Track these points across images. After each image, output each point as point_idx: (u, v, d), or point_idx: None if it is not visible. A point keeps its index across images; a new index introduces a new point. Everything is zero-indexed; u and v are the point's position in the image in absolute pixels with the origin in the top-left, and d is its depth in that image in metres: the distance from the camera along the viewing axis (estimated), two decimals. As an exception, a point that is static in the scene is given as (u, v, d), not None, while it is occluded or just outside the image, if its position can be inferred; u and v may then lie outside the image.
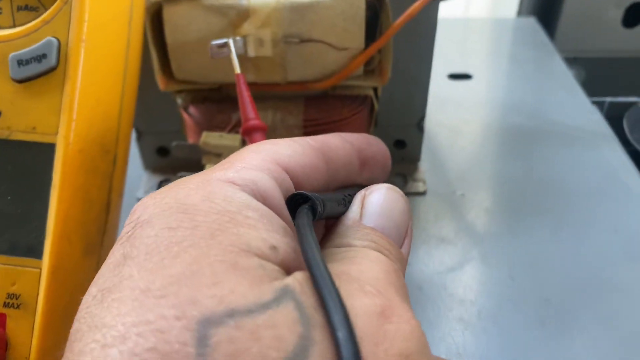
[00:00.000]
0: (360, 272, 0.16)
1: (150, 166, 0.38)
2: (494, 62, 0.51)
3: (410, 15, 0.28)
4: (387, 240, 0.18)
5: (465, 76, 0.47)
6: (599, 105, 0.46)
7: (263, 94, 0.32)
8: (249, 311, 0.12)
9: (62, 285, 0.23)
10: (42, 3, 0.23)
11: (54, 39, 0.22)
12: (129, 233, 0.15)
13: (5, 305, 0.22)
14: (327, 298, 0.13)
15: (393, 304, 0.15)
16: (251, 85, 0.31)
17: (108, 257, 0.15)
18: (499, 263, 0.32)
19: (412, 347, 0.13)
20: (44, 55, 0.22)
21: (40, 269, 0.22)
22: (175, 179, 0.32)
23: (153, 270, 0.13)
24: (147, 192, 0.36)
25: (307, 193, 0.17)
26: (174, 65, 0.30)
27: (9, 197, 0.23)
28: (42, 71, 0.22)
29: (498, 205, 0.35)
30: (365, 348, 0.12)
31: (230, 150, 0.30)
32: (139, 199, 0.36)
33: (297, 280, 0.14)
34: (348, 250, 0.17)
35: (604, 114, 0.45)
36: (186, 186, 0.16)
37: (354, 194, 0.19)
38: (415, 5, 0.28)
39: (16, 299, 0.22)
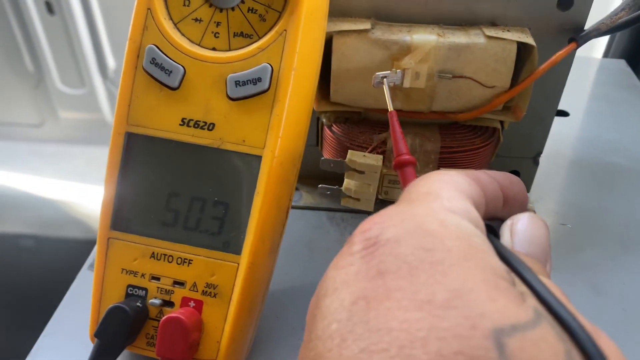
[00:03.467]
0: None
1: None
2: (590, 101, 0.54)
3: (554, 62, 0.31)
4: (539, 266, 0.20)
5: (563, 113, 0.50)
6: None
7: (402, 120, 0.35)
8: (525, 327, 0.14)
9: (254, 279, 0.26)
10: (256, 31, 0.26)
11: (268, 65, 0.25)
12: (370, 249, 0.17)
13: (204, 293, 0.26)
14: (570, 322, 0.15)
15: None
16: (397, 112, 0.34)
17: (340, 267, 0.17)
18: (611, 293, 0.34)
19: None
20: (259, 79, 0.25)
21: (238, 264, 0.25)
22: (320, 190, 0.35)
23: (428, 284, 0.15)
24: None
25: (490, 223, 0.19)
26: (332, 89, 0.33)
27: (215, 198, 0.26)
28: (256, 92, 0.25)
29: (604, 239, 0.38)
30: None
31: (373, 169, 0.33)
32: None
33: (535, 302, 0.16)
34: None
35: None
36: (414, 213, 0.18)
37: (496, 225, 0.21)
38: (559, 53, 0.31)
39: (214, 288, 0.26)
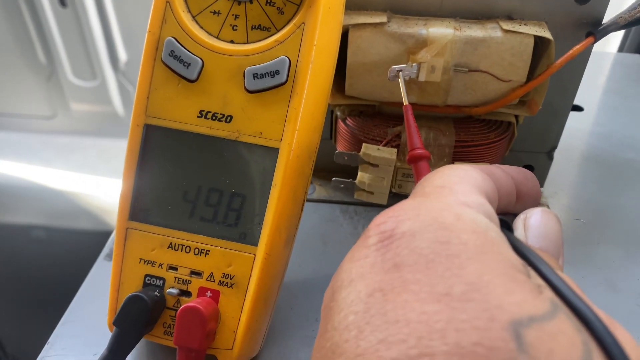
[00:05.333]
0: None
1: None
2: (604, 96, 0.53)
3: (571, 56, 0.31)
4: (552, 260, 0.20)
5: (578, 108, 0.50)
6: None
7: (417, 114, 0.35)
8: (542, 318, 0.15)
9: (270, 270, 0.26)
10: (274, 24, 0.26)
11: (286, 58, 0.25)
12: (386, 242, 0.17)
13: (220, 283, 0.26)
14: (587, 313, 0.15)
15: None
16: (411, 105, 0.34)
17: (356, 259, 0.17)
18: (626, 289, 0.34)
19: None
20: (277, 72, 0.25)
21: (255, 255, 0.26)
22: (333, 184, 0.35)
23: (445, 277, 0.15)
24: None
25: (504, 218, 0.19)
26: (348, 83, 0.33)
27: (232, 190, 0.26)
28: (273, 85, 0.25)
29: (618, 235, 0.37)
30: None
31: (387, 162, 0.33)
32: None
33: (552, 294, 0.16)
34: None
35: None
36: (430, 207, 0.18)
37: (509, 220, 0.21)
38: (577, 47, 0.31)
39: (230, 278, 0.26)
